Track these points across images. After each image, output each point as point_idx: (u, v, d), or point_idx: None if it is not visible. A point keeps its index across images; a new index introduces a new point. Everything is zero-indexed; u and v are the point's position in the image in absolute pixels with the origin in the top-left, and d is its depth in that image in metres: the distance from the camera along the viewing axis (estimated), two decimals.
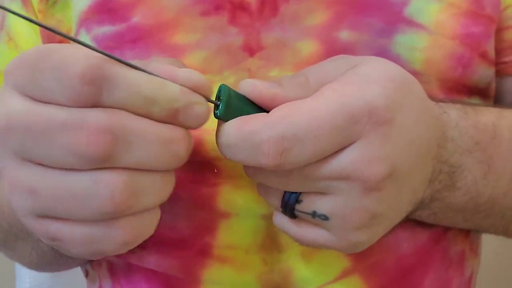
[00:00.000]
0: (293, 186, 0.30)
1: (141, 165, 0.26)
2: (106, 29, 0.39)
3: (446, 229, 0.41)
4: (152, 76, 0.27)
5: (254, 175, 0.31)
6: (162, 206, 0.40)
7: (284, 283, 0.38)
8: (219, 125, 0.30)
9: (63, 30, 0.42)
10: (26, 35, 0.44)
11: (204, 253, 0.39)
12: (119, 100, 0.25)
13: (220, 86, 0.29)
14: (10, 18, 0.45)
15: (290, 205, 0.31)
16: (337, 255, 0.39)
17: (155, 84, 0.26)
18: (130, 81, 0.26)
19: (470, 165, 0.36)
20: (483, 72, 0.40)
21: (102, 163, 0.25)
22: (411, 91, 0.31)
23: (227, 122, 0.29)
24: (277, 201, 0.32)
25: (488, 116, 0.38)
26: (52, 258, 0.44)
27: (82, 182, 0.25)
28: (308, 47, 0.38)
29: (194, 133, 0.38)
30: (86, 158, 0.25)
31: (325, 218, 0.30)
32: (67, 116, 0.25)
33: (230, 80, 0.38)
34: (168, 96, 0.26)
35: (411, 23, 0.38)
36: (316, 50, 0.38)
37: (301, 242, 0.33)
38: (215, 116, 0.29)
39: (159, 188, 0.28)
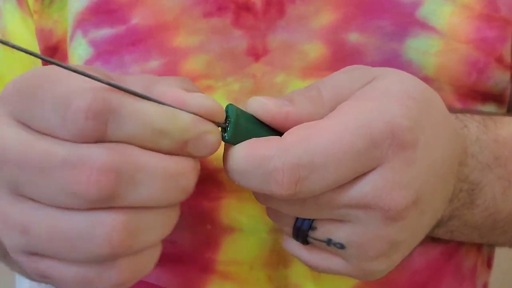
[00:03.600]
0: (307, 214, 0.28)
1: (146, 203, 0.24)
2: (104, 32, 0.37)
3: (459, 244, 0.40)
4: (162, 105, 0.24)
5: (265, 201, 0.29)
6: None
7: None
8: (226, 149, 0.27)
9: (61, 32, 0.40)
10: (21, 36, 0.43)
11: (206, 269, 0.37)
12: (126, 134, 0.24)
13: (227, 106, 0.27)
14: (5, 19, 0.43)
15: (303, 231, 0.29)
16: None
17: (165, 115, 0.24)
18: (138, 113, 0.24)
19: (490, 182, 0.35)
20: (498, 77, 0.39)
21: (103, 203, 0.23)
22: (432, 107, 0.29)
23: (236, 146, 0.27)
24: (288, 227, 0.30)
25: (508, 128, 0.36)
26: None
27: (78, 223, 0.24)
28: (315, 50, 0.36)
29: None
30: (86, 199, 0.23)
31: (341, 246, 0.28)
32: (67, 152, 0.23)
33: (234, 87, 0.36)
34: (180, 128, 0.24)
35: (423, 26, 0.36)
36: (323, 53, 0.36)
37: (313, 268, 0.31)
38: (223, 139, 0.27)
39: (162, 224, 0.26)
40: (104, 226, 0.23)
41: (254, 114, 0.28)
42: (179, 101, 0.25)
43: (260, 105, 0.27)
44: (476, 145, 0.34)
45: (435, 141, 0.28)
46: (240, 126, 0.27)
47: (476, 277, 0.42)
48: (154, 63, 0.36)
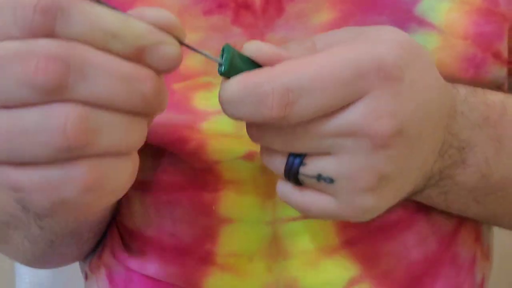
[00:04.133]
0: (298, 145, 0.29)
1: (99, 99, 0.24)
2: None
3: (456, 232, 0.41)
4: (116, 11, 0.25)
5: (257, 135, 0.30)
6: (162, 212, 0.39)
7: None
8: (222, 82, 0.29)
9: None
10: None
11: (205, 260, 0.38)
12: (75, 32, 0.24)
13: (224, 46, 0.29)
14: None
15: (294, 168, 0.30)
16: (344, 263, 0.38)
17: (118, 19, 0.24)
18: (88, 13, 0.24)
19: (481, 142, 0.35)
20: (496, 73, 0.39)
21: (54, 94, 0.23)
22: (421, 56, 0.30)
23: (231, 78, 0.28)
24: (281, 165, 0.30)
25: (497, 95, 0.37)
26: (45, 246, 0.43)
27: (33, 116, 0.24)
28: None
29: (195, 136, 0.37)
30: (36, 88, 0.23)
31: (331, 181, 0.29)
32: (17, 46, 0.23)
33: None
34: (133, 33, 0.25)
35: (422, 22, 0.37)
36: None
37: (307, 211, 0.31)
38: (220, 72, 0.29)
39: (124, 130, 0.25)
40: (58, 117, 0.23)
41: (250, 55, 0.29)
42: (137, 12, 0.26)
43: (256, 47, 0.28)
44: (465, 105, 0.34)
45: (423, 83, 0.29)
46: (235, 63, 0.28)
47: (474, 268, 0.42)
48: None
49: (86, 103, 0.24)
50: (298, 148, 0.29)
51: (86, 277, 0.47)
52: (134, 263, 0.40)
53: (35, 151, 0.24)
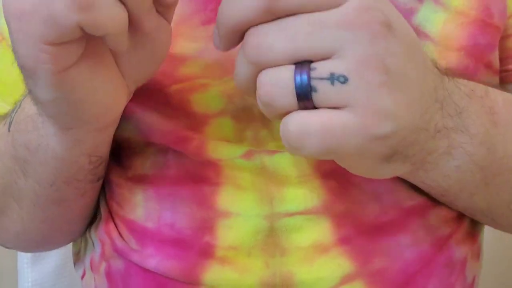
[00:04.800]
0: (301, 43, 0.27)
1: None
2: None
3: (451, 235, 0.41)
4: None
5: (257, 41, 0.28)
6: (163, 203, 0.40)
7: None
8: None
9: None
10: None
11: (205, 253, 0.39)
12: None
13: None
14: (2, 17, 0.44)
15: (305, 75, 0.27)
16: (339, 260, 0.38)
17: None
18: None
19: (476, 111, 0.35)
20: (487, 81, 0.40)
21: None
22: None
23: None
24: (289, 81, 0.28)
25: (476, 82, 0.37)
26: (40, 215, 0.43)
27: None
28: None
29: (196, 138, 0.38)
30: None
31: (344, 79, 0.27)
32: None
33: (230, 85, 0.38)
34: None
35: (418, 33, 0.37)
36: None
37: (326, 137, 0.28)
38: None
39: None
40: None
41: None
42: None
43: None
44: (448, 77, 0.34)
45: (405, 26, 0.30)
46: None
47: (466, 270, 0.43)
48: None
49: None
50: (302, 46, 0.27)
51: (83, 275, 0.47)
52: (135, 254, 0.40)
53: None
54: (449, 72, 0.35)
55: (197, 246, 0.39)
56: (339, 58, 0.27)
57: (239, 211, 0.38)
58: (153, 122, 0.39)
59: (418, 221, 0.39)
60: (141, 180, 0.41)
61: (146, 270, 0.40)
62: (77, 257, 0.49)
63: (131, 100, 0.37)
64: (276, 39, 0.28)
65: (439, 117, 0.33)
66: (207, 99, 0.38)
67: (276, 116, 0.29)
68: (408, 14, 0.38)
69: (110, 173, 0.44)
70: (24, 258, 0.61)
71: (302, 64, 0.28)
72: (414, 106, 0.30)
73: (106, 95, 0.33)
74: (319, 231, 0.38)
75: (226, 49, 0.31)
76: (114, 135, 0.40)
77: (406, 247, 0.39)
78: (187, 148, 0.39)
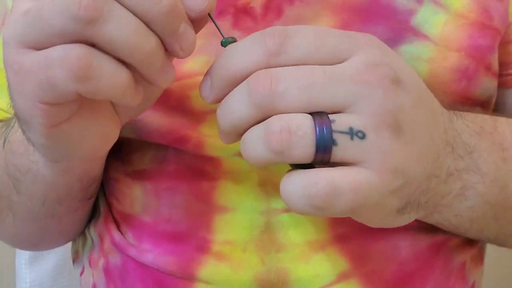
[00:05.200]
0: (315, 89, 0.27)
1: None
2: None
3: (448, 239, 0.41)
4: None
5: (275, 90, 0.27)
6: (161, 198, 0.40)
7: (281, 285, 0.38)
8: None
9: None
10: None
11: (201, 248, 0.39)
12: None
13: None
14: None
15: (327, 130, 0.27)
16: (334, 258, 0.38)
17: None
18: None
19: (486, 148, 0.36)
20: (486, 85, 0.40)
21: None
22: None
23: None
24: (310, 131, 0.27)
25: (484, 116, 0.38)
26: (30, 215, 0.43)
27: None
28: None
29: (194, 135, 0.38)
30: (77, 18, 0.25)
31: (362, 135, 0.27)
32: None
33: None
34: None
35: (417, 34, 0.38)
36: None
37: (337, 192, 0.27)
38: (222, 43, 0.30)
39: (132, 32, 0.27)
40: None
41: None
42: None
43: None
44: (456, 113, 0.35)
45: (412, 74, 0.31)
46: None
47: (465, 274, 0.42)
48: None
49: None
50: (318, 97, 0.27)
51: (82, 272, 0.47)
52: (132, 250, 0.41)
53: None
54: (456, 111, 0.36)
55: (193, 241, 0.39)
56: (355, 113, 0.27)
57: (235, 206, 0.38)
58: (152, 122, 0.39)
59: (416, 222, 0.38)
60: (140, 175, 0.41)
61: (143, 265, 0.40)
62: (76, 255, 0.49)
63: None
64: (290, 86, 0.27)
65: (451, 160, 0.33)
66: None
67: (282, 162, 0.28)
68: (407, 14, 0.38)
69: (109, 169, 0.44)
70: (22, 258, 0.61)
71: (321, 115, 0.27)
72: (425, 155, 0.30)
73: (99, 136, 0.32)
74: (316, 228, 0.38)
75: (215, 101, 0.30)
76: None
77: (403, 248, 0.39)
78: (186, 146, 0.39)
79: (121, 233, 0.42)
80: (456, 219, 0.37)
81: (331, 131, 0.27)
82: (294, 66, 0.28)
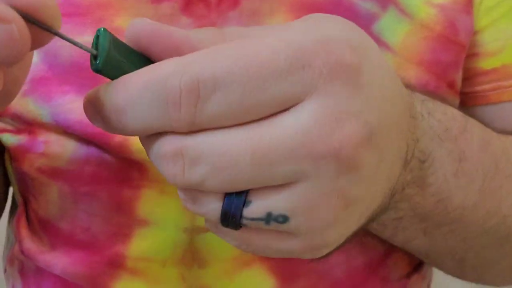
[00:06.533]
0: (237, 173, 0.21)
1: None
2: None
3: (387, 256, 0.39)
4: None
5: (178, 169, 0.22)
6: (79, 204, 0.36)
7: None
8: (103, 86, 0.23)
9: None
10: None
11: (114, 263, 0.37)
12: None
13: (98, 30, 0.22)
14: None
15: (234, 213, 0.22)
16: (260, 275, 0.37)
17: None
18: None
19: (441, 157, 0.32)
20: (448, 101, 0.37)
21: None
22: (373, 45, 0.25)
23: (124, 75, 0.22)
24: (214, 211, 0.23)
25: (456, 110, 0.35)
26: None
27: None
28: None
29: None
30: None
31: (284, 220, 0.22)
32: None
33: None
34: None
35: (377, 41, 0.36)
36: None
37: (252, 252, 0.25)
38: (93, 68, 0.22)
39: None
40: None
41: (136, 40, 0.22)
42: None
43: (143, 26, 0.22)
44: (424, 108, 0.31)
45: (382, 74, 0.23)
46: (114, 55, 0.22)
47: (408, 287, 0.41)
48: (88, 39, 0.33)
49: None
50: (240, 180, 0.22)
51: (5, 271, 0.44)
52: (42, 260, 0.38)
53: None
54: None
55: (107, 254, 0.37)
56: (285, 191, 0.22)
57: (158, 220, 0.36)
58: (74, 109, 0.35)
59: (352, 238, 0.38)
60: (56, 174, 0.37)
61: (55, 275, 0.38)
62: (5, 251, 0.46)
63: (48, 83, 0.34)
64: (208, 175, 0.22)
65: (401, 179, 0.29)
66: None
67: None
68: (369, 19, 0.36)
69: (18, 161, 0.37)
70: None
71: (235, 195, 0.22)
72: (366, 214, 0.26)
73: None
74: None
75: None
76: (20, 120, 0.35)
77: (336, 265, 0.38)
78: (109, 142, 0.34)
79: (35, 235, 0.39)
80: (378, 227, 0.35)
81: (239, 218, 0.23)
82: (213, 134, 0.21)
